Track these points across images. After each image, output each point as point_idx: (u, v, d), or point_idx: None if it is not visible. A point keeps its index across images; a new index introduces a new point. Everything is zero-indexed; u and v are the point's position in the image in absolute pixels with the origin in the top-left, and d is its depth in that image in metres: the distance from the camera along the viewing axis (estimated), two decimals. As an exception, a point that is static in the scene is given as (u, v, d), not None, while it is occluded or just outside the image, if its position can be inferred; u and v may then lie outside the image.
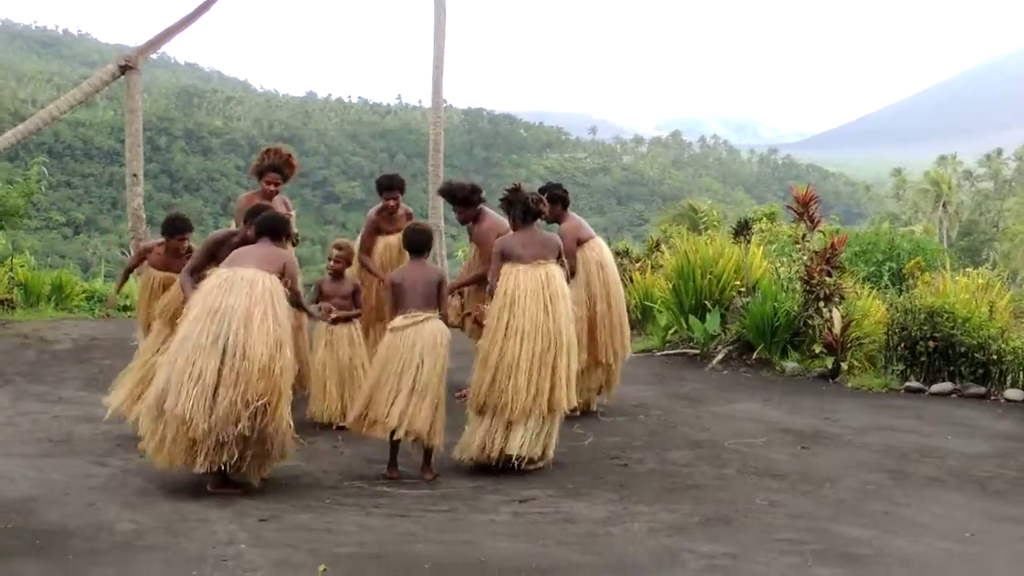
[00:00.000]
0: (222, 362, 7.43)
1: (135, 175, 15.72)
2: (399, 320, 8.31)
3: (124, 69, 15.88)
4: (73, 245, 79.31)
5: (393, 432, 8.20)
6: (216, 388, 7.40)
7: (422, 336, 8.26)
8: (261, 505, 7.50)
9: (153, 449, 7.65)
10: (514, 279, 8.55)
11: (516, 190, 9.03)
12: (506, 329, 8.42)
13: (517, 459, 8.44)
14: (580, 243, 10.16)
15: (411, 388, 8.18)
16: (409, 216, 11.31)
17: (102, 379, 11.04)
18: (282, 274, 7.89)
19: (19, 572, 6.08)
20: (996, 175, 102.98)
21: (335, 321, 9.66)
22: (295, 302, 8.17)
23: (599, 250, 10.31)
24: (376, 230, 11.12)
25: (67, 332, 14.34)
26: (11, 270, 17.18)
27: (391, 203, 11.15)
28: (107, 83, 16.68)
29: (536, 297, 8.52)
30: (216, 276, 7.83)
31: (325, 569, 6.28)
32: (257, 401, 7.46)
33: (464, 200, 10.05)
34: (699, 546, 6.88)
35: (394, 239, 11.01)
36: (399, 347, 8.23)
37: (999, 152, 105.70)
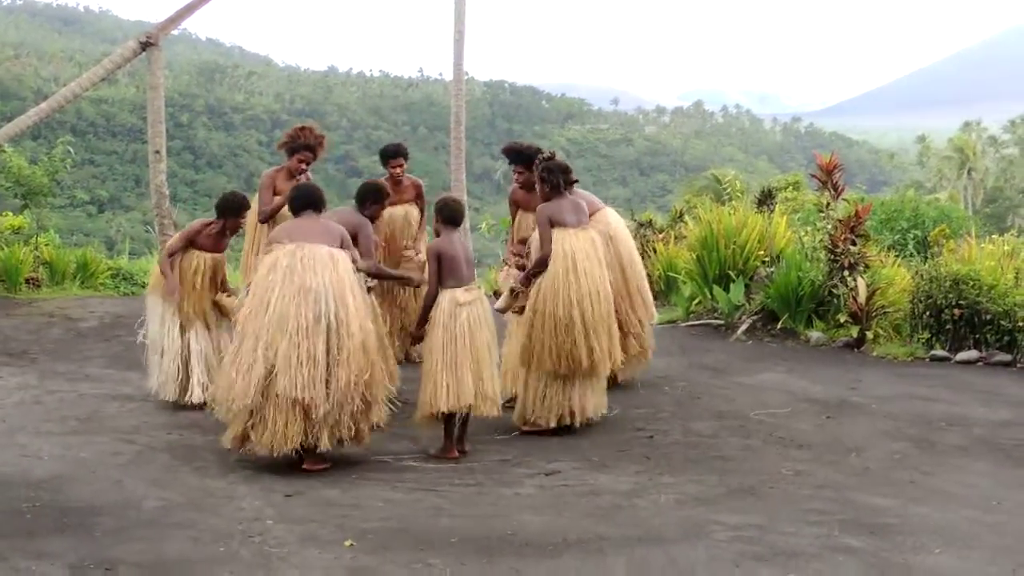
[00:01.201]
0: (328, 342, 7.47)
1: (157, 152, 15.71)
2: (464, 294, 8.25)
3: (145, 46, 15.86)
4: (98, 223, 79.43)
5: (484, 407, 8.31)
6: (327, 368, 7.47)
7: (485, 309, 8.36)
8: (287, 481, 7.53)
9: (260, 435, 7.61)
10: (570, 243, 8.67)
11: (551, 158, 9.07)
12: (577, 290, 8.54)
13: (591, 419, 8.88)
14: (590, 213, 10.12)
15: (487, 365, 8.27)
16: (417, 187, 11.28)
17: (128, 357, 11.10)
18: (343, 243, 7.92)
19: (48, 550, 6.12)
20: (1021, 141, 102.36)
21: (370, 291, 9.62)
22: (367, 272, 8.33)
23: (609, 220, 10.21)
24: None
25: (92, 310, 14.39)
26: (36, 249, 17.22)
27: (396, 171, 11.07)
28: (128, 60, 16.67)
29: (591, 259, 8.71)
30: (287, 253, 7.68)
31: (352, 544, 6.30)
32: (364, 376, 7.59)
33: (529, 160, 9.96)
34: (725, 517, 6.89)
35: (400, 209, 10.98)
36: (478, 322, 8.24)
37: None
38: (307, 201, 8.11)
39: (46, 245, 17.88)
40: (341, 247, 7.86)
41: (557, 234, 8.67)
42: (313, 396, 7.40)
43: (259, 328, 7.58)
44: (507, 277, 10.00)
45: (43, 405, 9.65)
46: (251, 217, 10.32)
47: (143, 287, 16.20)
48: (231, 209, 9.70)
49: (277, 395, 7.47)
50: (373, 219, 8.79)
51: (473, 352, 8.15)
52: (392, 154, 11.14)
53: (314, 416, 7.48)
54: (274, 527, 6.58)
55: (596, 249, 8.83)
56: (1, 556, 6.00)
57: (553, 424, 8.76)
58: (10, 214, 18.90)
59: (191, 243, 9.66)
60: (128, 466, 7.85)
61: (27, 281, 15.88)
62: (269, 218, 9.99)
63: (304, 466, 7.75)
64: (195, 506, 6.97)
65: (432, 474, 7.85)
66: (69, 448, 8.27)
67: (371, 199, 8.76)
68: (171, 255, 9.71)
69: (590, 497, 7.32)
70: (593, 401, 8.90)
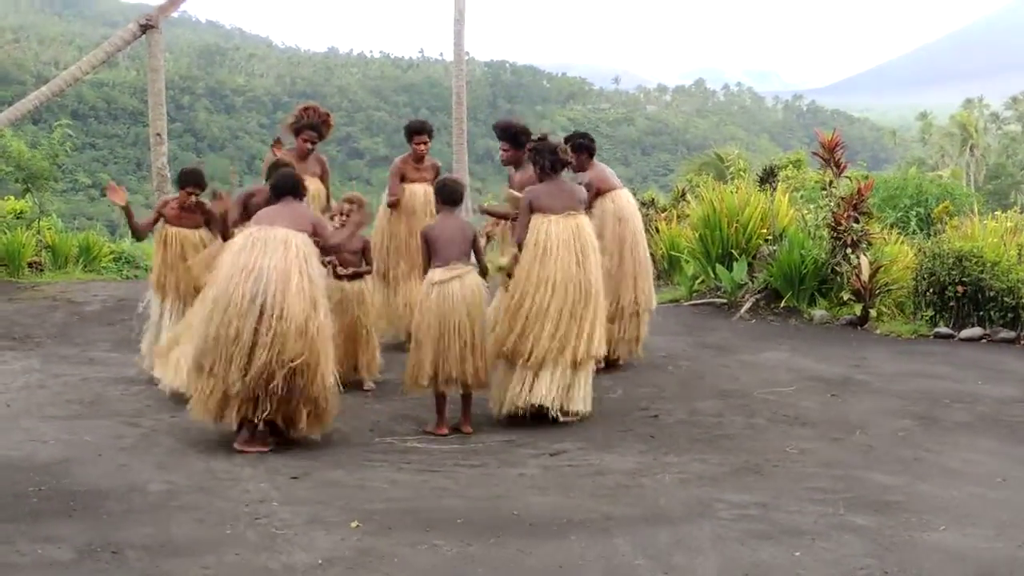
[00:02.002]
0: (259, 322, 7.48)
1: (159, 135, 15.73)
2: (439, 273, 8.30)
3: (145, 28, 15.86)
4: (99, 207, 79.30)
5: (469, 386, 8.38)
6: (253, 348, 7.47)
7: (468, 289, 8.33)
8: (292, 463, 7.54)
9: (193, 404, 7.79)
10: (545, 230, 8.55)
11: (543, 140, 9.00)
12: (536, 279, 8.45)
13: (551, 410, 8.51)
14: (601, 193, 10.07)
15: (471, 342, 8.29)
16: (436, 168, 11.25)
17: (131, 340, 11.09)
18: (313, 232, 7.89)
19: (54, 534, 6.12)
20: (1023, 117, 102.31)
21: (341, 277, 9.57)
22: (327, 252, 8.21)
23: (620, 202, 10.18)
24: (401, 177, 11.05)
25: (95, 294, 14.41)
26: (38, 233, 17.26)
27: (420, 147, 11.06)
28: (128, 43, 16.67)
29: (568, 248, 8.54)
30: (245, 235, 7.82)
31: (358, 525, 6.31)
32: (294, 361, 7.52)
33: (514, 137, 9.91)
34: (730, 496, 6.90)
35: (420, 187, 10.97)
36: (448, 302, 8.25)
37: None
38: (284, 188, 8.15)
39: (48, 229, 17.92)
40: (314, 233, 7.91)
41: (535, 220, 8.60)
42: (229, 373, 7.49)
43: (208, 303, 7.78)
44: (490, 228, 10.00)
45: (47, 389, 9.66)
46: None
47: (146, 270, 16.26)
48: (184, 180, 9.74)
49: (204, 368, 7.63)
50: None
51: (441, 330, 8.22)
52: (417, 130, 11.12)
53: (227, 391, 7.55)
54: (280, 509, 6.59)
55: (579, 237, 8.61)
56: (7, 540, 6.01)
57: (497, 412, 8.68)
58: (12, 198, 18.93)
59: (159, 215, 9.77)
60: (133, 449, 7.86)
61: (30, 265, 15.90)
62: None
63: (235, 445, 7.78)
64: (201, 489, 6.98)
65: (437, 455, 7.86)
66: (74, 432, 8.28)
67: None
68: (145, 227, 10.07)
69: (595, 477, 7.33)
70: (555, 388, 8.55)
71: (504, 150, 10.07)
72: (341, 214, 9.54)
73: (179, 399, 8.72)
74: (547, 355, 8.45)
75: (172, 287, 9.70)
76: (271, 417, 7.70)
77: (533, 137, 9.20)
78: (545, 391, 8.48)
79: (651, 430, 8.53)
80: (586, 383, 8.72)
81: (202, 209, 9.74)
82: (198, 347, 7.74)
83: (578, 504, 6.75)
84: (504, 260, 8.99)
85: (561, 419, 8.56)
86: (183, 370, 8.36)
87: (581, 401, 8.69)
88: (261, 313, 7.48)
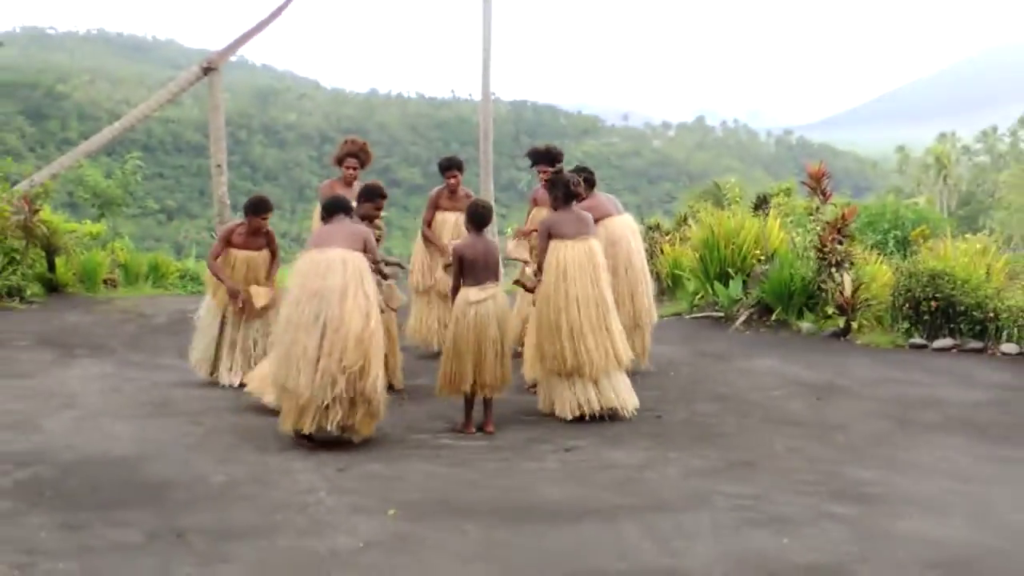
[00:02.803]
0: (322, 336, 7.52)
1: (219, 165, 15.81)
2: (475, 293, 8.32)
3: (207, 71, 15.96)
4: (167, 230, 79.89)
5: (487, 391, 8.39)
6: (317, 360, 7.51)
7: (499, 307, 8.39)
8: (337, 457, 7.57)
9: (280, 419, 7.87)
10: (563, 253, 8.63)
11: (558, 173, 9.07)
12: (565, 297, 8.53)
13: (621, 410, 8.72)
14: (595, 220, 10.08)
15: (501, 352, 8.34)
16: (468, 196, 11.29)
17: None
18: (365, 248, 7.95)
19: (128, 520, 6.17)
20: (991, 150, 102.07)
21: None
22: (376, 269, 8.24)
23: (611, 228, 10.09)
24: (436, 207, 11.13)
25: (163, 307, 14.47)
26: (113, 253, 17.33)
27: (452, 181, 11.13)
28: (192, 84, 16.76)
29: (583, 269, 8.62)
30: (309, 259, 7.83)
31: (395, 513, 6.34)
32: (353, 367, 7.56)
33: (550, 158, 10.01)
34: (726, 488, 6.90)
35: (452, 215, 11.03)
36: (484, 320, 8.28)
37: (994, 129, 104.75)
38: (335, 208, 8.21)
39: (121, 250, 18.00)
40: (364, 250, 7.94)
41: (553, 245, 8.68)
42: (297, 384, 7.54)
43: (280, 324, 7.86)
44: (516, 247, 10.01)
45: (121, 392, 9.71)
46: (315, 223, 10.57)
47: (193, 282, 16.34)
48: (252, 208, 9.77)
49: (284, 386, 7.68)
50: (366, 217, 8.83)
51: (478, 344, 8.24)
52: (447, 166, 11.21)
53: (300, 402, 7.60)
54: (326, 498, 6.62)
55: (592, 259, 8.72)
56: (86, 525, 6.06)
57: (569, 417, 8.68)
58: (88, 222, 19.02)
59: (227, 242, 9.78)
60: (196, 445, 7.90)
61: (105, 282, 15.98)
62: None
63: (309, 438, 7.82)
64: (256, 480, 7.02)
65: (466, 451, 7.88)
66: (144, 430, 8.33)
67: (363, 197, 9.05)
68: (215, 256, 9.87)
69: (605, 470, 7.34)
70: (609, 398, 8.71)
71: (543, 171, 10.20)
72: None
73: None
74: (600, 365, 8.59)
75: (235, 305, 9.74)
76: (344, 422, 7.74)
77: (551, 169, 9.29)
78: (612, 394, 8.68)
79: (656, 429, 8.53)
80: (624, 383, 8.87)
81: (268, 234, 9.83)
82: (276, 365, 7.82)
83: (590, 494, 6.77)
84: (523, 276, 9.10)
85: (628, 416, 8.73)
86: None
87: (626, 400, 8.81)
88: (324, 328, 7.53)
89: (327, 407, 7.59)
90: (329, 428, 7.70)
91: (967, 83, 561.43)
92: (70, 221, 17.74)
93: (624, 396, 8.80)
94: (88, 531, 5.96)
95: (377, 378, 7.77)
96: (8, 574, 5.32)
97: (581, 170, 10.26)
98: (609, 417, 8.70)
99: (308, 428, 7.69)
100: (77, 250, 16.01)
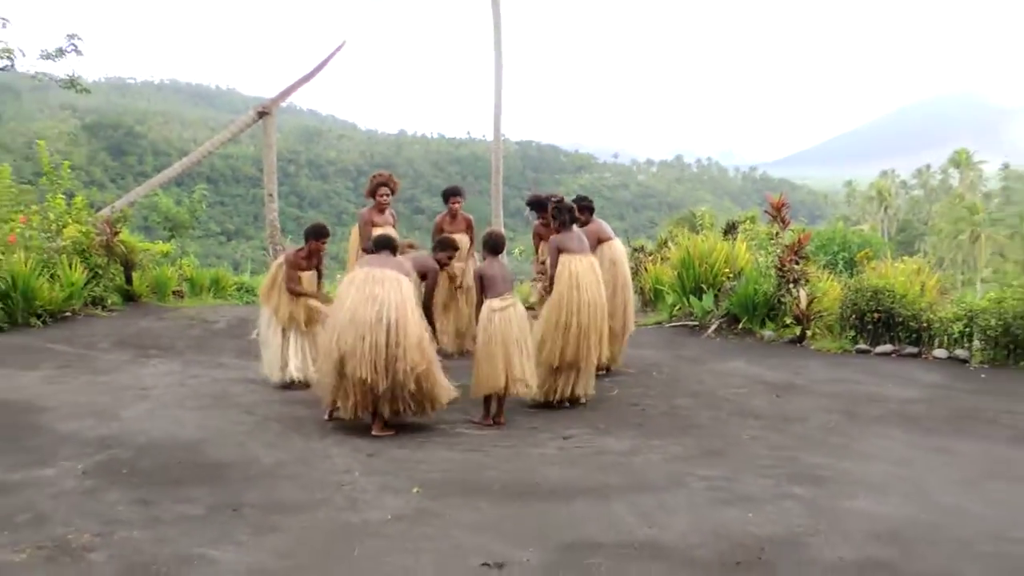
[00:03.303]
0: (387, 338, 7.50)
1: (271, 195, 15.82)
2: (497, 303, 8.33)
3: (261, 115, 15.98)
4: (226, 249, 79.87)
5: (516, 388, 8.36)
6: (387, 360, 7.51)
7: (518, 312, 8.39)
8: (369, 444, 7.58)
9: (343, 405, 7.86)
10: (573, 265, 8.73)
11: (561, 201, 9.13)
12: (577, 303, 8.61)
13: (582, 398, 8.95)
14: (601, 241, 10.14)
15: (526, 351, 8.35)
16: (468, 221, 11.33)
17: (250, 350, 11.17)
18: (408, 274, 8.00)
19: (191, 496, 6.18)
20: (925, 185, 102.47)
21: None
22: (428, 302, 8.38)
23: (613, 250, 10.23)
24: (439, 230, 11.13)
25: (223, 315, 14.48)
26: (180, 268, 17.37)
27: (455, 206, 11.15)
28: (249, 126, 16.80)
29: (590, 279, 8.76)
30: (362, 272, 7.86)
31: (418, 490, 6.34)
32: (417, 368, 7.63)
33: (545, 207, 10.05)
34: (700, 471, 6.89)
35: (456, 238, 11.05)
36: (508, 324, 8.28)
37: (928, 167, 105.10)
38: (382, 245, 8.24)
39: (187, 266, 18.03)
40: (410, 279, 7.98)
41: (564, 258, 8.73)
42: (374, 377, 7.50)
43: (335, 325, 7.76)
44: (534, 288, 10.12)
45: (186, 387, 9.72)
46: (352, 243, 10.61)
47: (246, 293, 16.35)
48: (313, 233, 9.77)
49: (348, 375, 7.61)
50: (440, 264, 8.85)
51: (504, 347, 8.20)
52: (451, 193, 11.24)
53: (378, 392, 7.58)
54: (359, 478, 6.63)
55: (594, 271, 8.84)
56: (156, 500, 6.07)
57: (556, 400, 8.83)
58: (160, 242, 19.08)
59: (298, 268, 9.70)
60: (250, 432, 7.90)
61: (174, 293, 16.01)
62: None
63: (373, 431, 7.82)
64: (300, 462, 7.02)
65: (479, 439, 7.87)
66: (206, 419, 8.34)
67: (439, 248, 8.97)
68: (294, 281, 9.63)
69: (597, 455, 7.33)
70: (585, 386, 8.93)
71: (540, 216, 10.28)
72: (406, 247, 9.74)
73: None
74: (584, 359, 8.68)
75: (293, 317, 9.73)
76: (415, 411, 7.87)
77: (553, 199, 9.31)
78: (581, 387, 8.85)
79: (640, 420, 8.52)
80: (592, 375, 9.02)
81: (319, 256, 9.83)
82: (335, 357, 7.67)
83: (584, 476, 6.76)
84: (533, 298, 9.19)
85: (583, 402, 8.94)
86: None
87: (592, 388, 9.01)
88: (388, 331, 7.51)
89: (397, 398, 7.68)
90: (390, 415, 7.81)
91: (905, 128, 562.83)
92: (145, 241, 17.76)
93: (589, 385, 9.00)
94: (158, 505, 5.98)
95: (438, 375, 7.90)
96: (91, 542, 5.33)
97: (582, 199, 10.34)
98: (570, 403, 8.87)
99: (388, 415, 7.80)
100: (150, 266, 16.04)
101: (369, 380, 7.51)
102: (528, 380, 8.33)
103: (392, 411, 7.79)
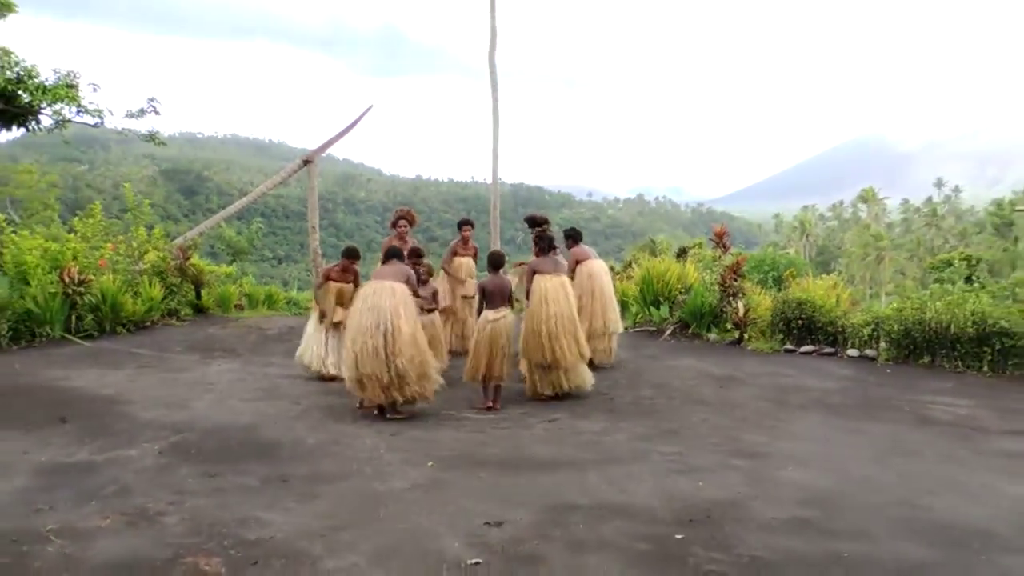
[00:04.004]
0: (385, 340, 7.57)
1: (313, 227, 15.78)
2: (492, 314, 8.43)
3: (306, 163, 15.97)
4: (277, 270, 79.98)
5: (496, 379, 8.43)
6: (387, 356, 7.57)
7: (508, 324, 8.46)
8: (392, 427, 7.56)
9: (360, 392, 7.88)
10: (544, 284, 8.73)
11: (544, 231, 9.18)
12: (546, 314, 8.58)
13: (573, 390, 8.78)
14: (579, 262, 10.23)
15: (508, 354, 8.41)
16: (475, 249, 11.38)
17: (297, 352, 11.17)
18: (407, 280, 8.01)
19: (248, 470, 6.16)
20: (839, 217, 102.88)
21: (423, 311, 9.68)
22: (415, 294, 8.27)
23: (590, 266, 10.30)
24: (454, 253, 11.15)
25: (275, 324, 14.44)
26: (240, 286, 17.33)
27: (466, 234, 11.19)
28: (295, 172, 16.78)
29: (558, 294, 8.71)
30: (370, 287, 7.96)
31: (432, 464, 6.32)
32: (413, 360, 7.66)
33: (535, 223, 10.04)
34: (659, 447, 6.88)
35: (465, 259, 11.13)
36: (498, 332, 8.37)
37: (841, 203, 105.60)
38: (390, 255, 8.34)
39: (246, 284, 17.99)
40: (406, 282, 8.01)
41: (537, 278, 8.76)
42: (378, 372, 7.56)
43: (350, 332, 7.86)
44: (513, 274, 10.13)
45: (244, 381, 9.69)
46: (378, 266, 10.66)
47: (305, 310, 16.29)
48: (346, 254, 9.87)
49: (361, 370, 7.66)
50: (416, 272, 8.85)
51: (489, 348, 8.33)
52: (465, 223, 11.34)
53: (384, 382, 7.62)
54: (385, 454, 6.60)
55: (564, 288, 8.78)
56: (220, 473, 6.05)
57: (548, 393, 8.74)
58: (224, 265, 19.07)
59: (327, 278, 9.83)
60: (296, 418, 7.88)
61: (235, 306, 15.97)
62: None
63: (387, 415, 7.82)
64: (337, 442, 6.99)
65: (480, 422, 7.85)
66: (259, 408, 8.31)
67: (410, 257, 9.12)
68: (318, 287, 9.99)
69: (576, 435, 7.31)
70: (574, 381, 8.79)
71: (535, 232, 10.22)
72: (423, 270, 9.77)
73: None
74: (571, 359, 8.61)
75: (333, 322, 9.79)
76: (408, 398, 7.80)
77: (537, 230, 9.36)
78: (576, 380, 8.75)
79: (610, 407, 8.50)
80: (586, 371, 8.91)
81: (354, 272, 9.86)
82: (351, 359, 7.77)
83: (565, 452, 6.74)
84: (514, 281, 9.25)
85: (574, 393, 8.79)
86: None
87: (585, 381, 8.89)
88: (384, 335, 7.58)
89: (388, 386, 7.65)
90: (399, 401, 7.77)
91: (823, 170, 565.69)
92: (211, 264, 17.74)
93: (586, 379, 8.89)
94: (220, 478, 5.95)
95: (429, 365, 7.87)
96: (165, 509, 5.30)
97: (571, 229, 10.70)
98: (576, 395, 8.77)
99: (381, 400, 7.76)
100: (216, 284, 15.99)
101: (375, 374, 7.59)
102: (503, 376, 8.42)
103: (393, 400, 7.77)
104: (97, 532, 4.89)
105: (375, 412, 7.91)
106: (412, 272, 8.32)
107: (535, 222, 10.06)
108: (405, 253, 9.03)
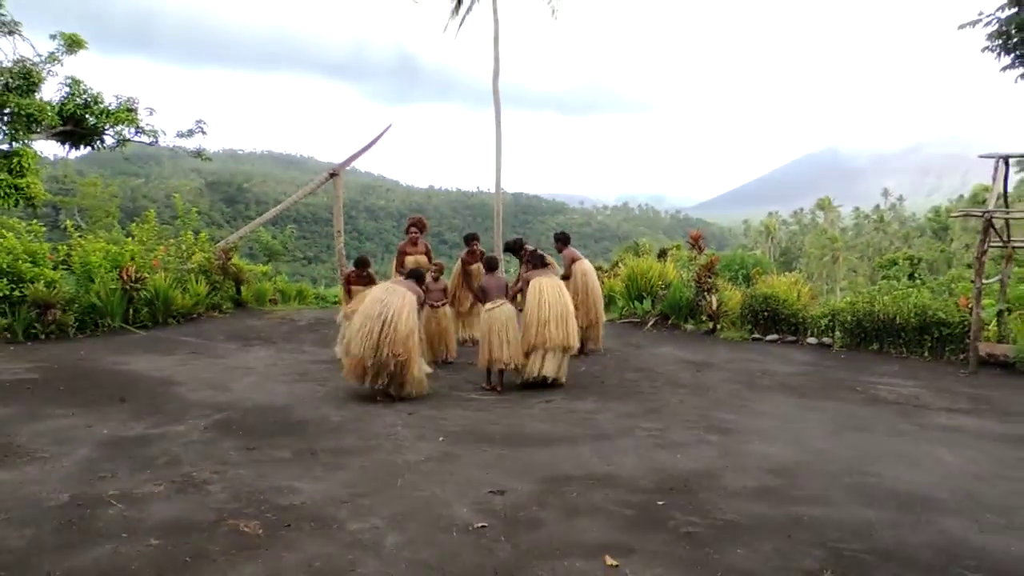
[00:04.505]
0: (382, 330, 7.51)
1: (339, 232, 15.74)
2: (489, 305, 8.44)
3: (332, 175, 15.93)
4: (308, 269, 79.80)
5: (498, 364, 8.35)
6: (378, 344, 7.48)
7: (505, 311, 8.42)
8: (408, 407, 7.53)
9: (345, 371, 7.85)
10: (540, 284, 8.65)
11: (535, 252, 9.15)
12: (539, 301, 8.50)
13: (549, 379, 8.50)
14: (573, 262, 10.18)
15: (507, 340, 8.33)
16: (483, 254, 11.30)
17: (325, 340, 11.15)
18: (418, 297, 8.00)
19: (281, 443, 6.14)
20: (800, 222, 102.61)
21: (435, 306, 9.67)
22: (422, 305, 8.29)
23: (582, 266, 10.25)
24: (463, 263, 11.09)
25: (305, 316, 14.42)
26: (275, 283, 17.31)
27: (475, 247, 11.09)
28: (323, 184, 16.74)
29: (552, 287, 8.63)
30: (383, 285, 7.99)
31: (443, 439, 6.30)
32: (399, 356, 7.55)
33: (513, 249, 9.94)
34: (643, 424, 6.86)
35: (475, 267, 11.03)
36: (496, 320, 8.34)
37: (801, 209, 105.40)
38: (412, 275, 8.30)
39: (280, 281, 17.96)
40: (416, 298, 7.95)
41: (534, 280, 8.66)
42: (365, 353, 7.49)
43: (356, 316, 7.82)
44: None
45: (278, 366, 9.68)
46: (393, 265, 10.58)
47: (333, 303, 16.29)
48: (357, 264, 9.79)
49: (349, 351, 7.69)
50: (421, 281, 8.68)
51: (490, 336, 8.32)
52: (471, 238, 11.15)
53: (366, 365, 7.56)
54: (402, 431, 6.59)
55: (556, 282, 8.70)
56: (257, 447, 6.03)
57: (535, 375, 8.49)
58: (261, 265, 19.04)
59: (348, 281, 9.78)
60: (323, 399, 7.86)
61: (270, 300, 15.94)
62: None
63: (377, 398, 7.73)
64: (359, 420, 6.98)
65: (485, 402, 7.84)
66: (292, 389, 8.29)
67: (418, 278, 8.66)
68: (348, 293, 9.88)
69: (570, 414, 7.29)
70: (554, 366, 8.52)
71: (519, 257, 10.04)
72: (431, 272, 9.82)
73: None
74: (556, 343, 8.41)
75: (351, 317, 9.73)
76: (386, 386, 7.69)
77: (528, 249, 9.33)
78: (552, 366, 8.49)
79: (600, 389, 8.48)
80: (565, 364, 8.66)
81: (369, 276, 9.80)
82: (350, 341, 7.73)
83: (560, 429, 6.73)
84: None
85: (551, 383, 8.53)
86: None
87: (563, 374, 8.64)
88: (383, 324, 7.52)
89: (377, 372, 7.58)
90: (378, 385, 7.68)
91: (785, 181, 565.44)
92: (250, 264, 17.70)
93: (562, 369, 8.61)
94: (258, 451, 5.93)
95: (416, 365, 7.73)
96: (210, 477, 5.29)
97: (561, 233, 10.61)
98: (551, 383, 8.50)
99: (368, 384, 7.70)
100: (254, 281, 15.97)
101: (361, 355, 7.53)
102: (507, 360, 8.32)
103: (375, 383, 7.67)
104: (151, 497, 4.88)
105: (377, 399, 7.81)
106: (421, 292, 8.19)
107: (514, 247, 9.91)
108: (427, 276, 8.99)
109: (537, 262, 8.97)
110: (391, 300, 7.68)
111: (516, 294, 9.03)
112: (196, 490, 5.04)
